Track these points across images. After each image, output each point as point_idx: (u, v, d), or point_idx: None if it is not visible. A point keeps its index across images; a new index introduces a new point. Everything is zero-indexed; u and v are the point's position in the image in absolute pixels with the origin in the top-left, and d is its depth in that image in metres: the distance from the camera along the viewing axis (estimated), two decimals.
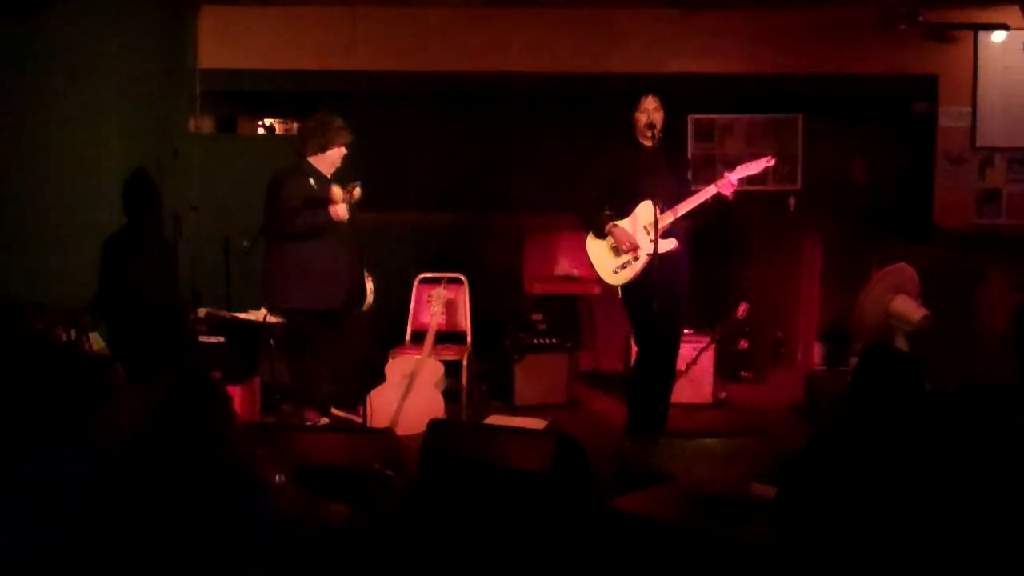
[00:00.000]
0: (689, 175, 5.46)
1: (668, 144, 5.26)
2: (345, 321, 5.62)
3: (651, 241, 4.99)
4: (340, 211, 5.31)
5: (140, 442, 2.62)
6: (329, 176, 5.50)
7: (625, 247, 5.12)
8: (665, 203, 5.05)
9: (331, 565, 3.03)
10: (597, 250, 5.27)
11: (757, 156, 5.18)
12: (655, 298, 5.00)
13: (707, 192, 5.04)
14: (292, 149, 5.61)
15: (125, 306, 5.85)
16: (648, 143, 5.15)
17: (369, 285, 5.69)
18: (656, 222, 4.96)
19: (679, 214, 5.04)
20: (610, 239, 5.18)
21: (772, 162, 5.14)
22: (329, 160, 5.48)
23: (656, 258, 4.97)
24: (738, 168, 5.07)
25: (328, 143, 5.46)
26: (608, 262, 5.22)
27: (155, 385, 2.69)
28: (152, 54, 6.68)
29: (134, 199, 6.08)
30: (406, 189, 7.60)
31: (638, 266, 5.12)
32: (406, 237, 7.37)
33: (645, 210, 5.08)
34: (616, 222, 5.15)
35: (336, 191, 5.32)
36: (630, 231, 5.11)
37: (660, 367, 5.25)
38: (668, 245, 5.03)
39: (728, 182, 5.01)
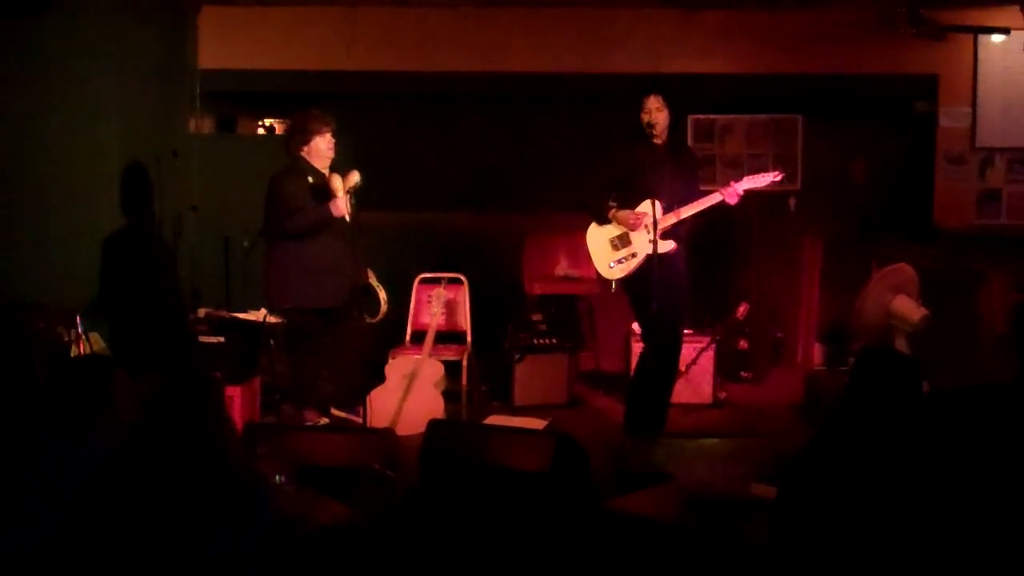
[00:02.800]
0: (697, 174, 5.46)
1: (677, 144, 5.27)
2: (346, 319, 5.63)
3: (650, 241, 5.01)
4: (340, 205, 5.33)
5: (138, 441, 2.62)
6: (326, 171, 5.52)
7: (630, 223, 5.13)
8: (670, 202, 5.08)
9: (331, 565, 3.03)
10: (596, 242, 5.32)
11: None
12: (654, 298, 5.02)
13: (712, 199, 5.09)
14: (285, 152, 5.62)
15: (125, 306, 5.85)
16: (657, 142, 5.18)
17: (382, 295, 5.71)
18: (655, 223, 4.98)
19: (681, 216, 5.06)
20: (611, 231, 5.22)
21: (779, 177, 5.20)
22: (318, 151, 5.50)
23: (655, 258, 4.99)
24: (745, 179, 5.11)
25: (309, 134, 5.49)
26: (606, 255, 5.28)
27: (151, 384, 2.69)
28: (152, 54, 6.68)
29: (133, 199, 6.08)
30: (406, 189, 7.60)
31: (633, 264, 5.17)
32: (406, 237, 7.36)
33: (647, 209, 5.11)
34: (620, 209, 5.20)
35: (336, 180, 5.34)
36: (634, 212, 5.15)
37: (661, 366, 5.26)
38: (666, 246, 5.06)
39: (734, 191, 5.07)
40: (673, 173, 5.16)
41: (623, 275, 5.21)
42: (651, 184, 5.10)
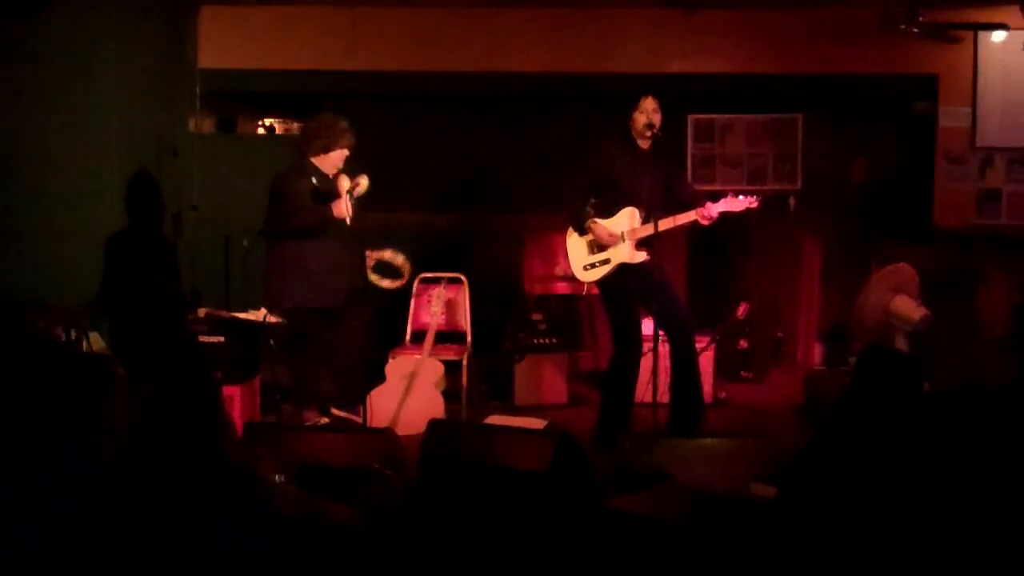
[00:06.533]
0: (682, 176, 5.49)
1: (662, 148, 5.29)
2: (345, 319, 5.63)
3: (630, 249, 5.17)
4: (342, 207, 5.33)
5: (137, 441, 2.62)
6: (331, 177, 5.53)
7: (603, 240, 5.23)
8: (649, 209, 5.14)
9: (331, 565, 3.03)
10: (574, 243, 5.42)
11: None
12: (647, 299, 5.16)
13: (687, 216, 5.17)
14: (295, 148, 5.62)
15: (126, 306, 5.85)
16: (644, 144, 5.21)
17: (400, 261, 5.74)
18: (635, 230, 5.16)
19: (659, 230, 5.10)
20: (589, 235, 5.25)
21: (755, 204, 5.22)
22: (331, 162, 5.51)
23: (630, 265, 5.17)
24: (721, 202, 5.18)
25: (332, 144, 5.49)
26: (581, 257, 5.39)
27: (151, 383, 2.69)
28: (152, 54, 6.68)
29: (134, 199, 6.08)
30: (406, 189, 7.60)
31: (605, 270, 5.28)
32: (406, 237, 7.35)
33: (626, 217, 5.21)
34: (596, 219, 5.26)
35: (343, 180, 5.34)
36: (610, 229, 5.24)
37: (630, 369, 5.31)
38: (639, 257, 5.15)
39: (709, 213, 5.13)
40: (654, 179, 5.21)
41: (595, 279, 5.32)
42: (632, 189, 5.17)
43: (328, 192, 5.40)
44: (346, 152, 5.52)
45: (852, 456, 2.76)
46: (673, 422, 5.24)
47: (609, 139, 5.31)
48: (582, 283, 5.61)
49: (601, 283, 5.34)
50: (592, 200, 5.32)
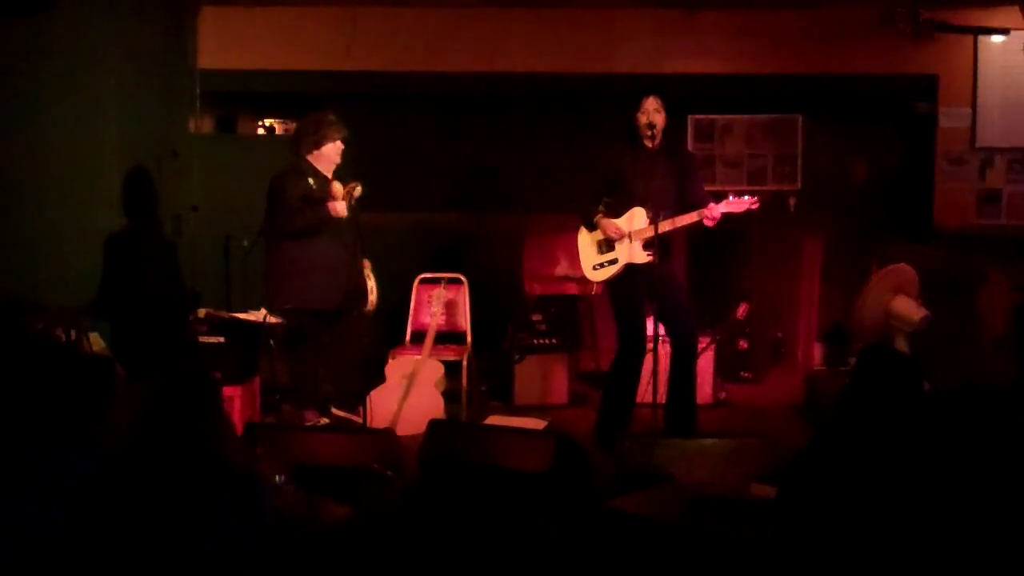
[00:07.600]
0: (695, 177, 5.47)
1: (670, 147, 5.31)
2: (345, 320, 5.63)
3: (637, 249, 5.19)
4: (339, 207, 5.35)
5: (137, 441, 2.62)
6: (329, 175, 5.54)
7: (610, 233, 5.25)
8: (657, 210, 5.14)
9: (331, 565, 3.03)
10: (584, 244, 5.46)
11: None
12: (652, 301, 5.17)
13: (690, 217, 5.18)
14: (290, 151, 5.63)
15: (126, 306, 5.85)
16: (650, 144, 5.21)
17: (371, 284, 5.70)
18: (642, 231, 5.16)
19: (662, 231, 5.11)
20: (597, 233, 5.30)
21: (756, 204, 5.23)
22: (326, 157, 5.52)
23: (636, 266, 5.17)
24: (724, 203, 5.18)
25: (321, 139, 5.49)
26: (590, 258, 5.42)
27: (150, 384, 2.69)
28: (152, 54, 6.67)
29: (134, 199, 6.08)
30: (406, 189, 7.60)
31: (613, 270, 5.30)
32: (406, 237, 7.36)
33: (634, 217, 5.21)
34: (605, 216, 5.29)
35: (336, 187, 5.37)
36: (617, 224, 5.26)
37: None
38: (645, 257, 5.16)
39: (713, 214, 5.14)
40: (663, 179, 5.21)
41: (603, 279, 5.35)
42: (640, 190, 5.18)
43: (322, 197, 5.40)
44: (339, 145, 5.52)
45: (852, 456, 2.77)
46: (668, 424, 5.25)
47: (616, 140, 5.34)
48: (589, 283, 5.64)
49: (609, 283, 5.35)
50: (605, 200, 5.35)
